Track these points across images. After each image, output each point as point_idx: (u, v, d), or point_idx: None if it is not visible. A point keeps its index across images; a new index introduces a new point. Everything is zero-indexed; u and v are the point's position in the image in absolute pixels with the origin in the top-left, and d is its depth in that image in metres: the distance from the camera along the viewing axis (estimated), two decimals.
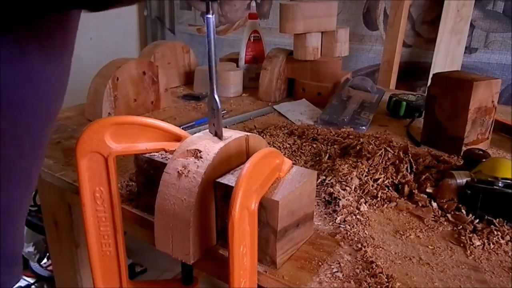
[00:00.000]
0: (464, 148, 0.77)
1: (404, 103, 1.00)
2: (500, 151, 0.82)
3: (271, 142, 0.82)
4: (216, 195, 0.49)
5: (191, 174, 0.47)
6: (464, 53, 1.49)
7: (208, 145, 0.49)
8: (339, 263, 0.49)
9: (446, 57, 1.50)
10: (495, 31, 1.44)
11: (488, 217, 0.56)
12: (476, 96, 0.75)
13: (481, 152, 0.68)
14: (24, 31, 0.36)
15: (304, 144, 0.81)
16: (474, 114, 0.77)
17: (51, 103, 0.42)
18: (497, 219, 0.56)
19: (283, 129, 0.89)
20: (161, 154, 0.55)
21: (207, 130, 0.52)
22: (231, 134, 0.52)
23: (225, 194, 0.48)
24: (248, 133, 0.53)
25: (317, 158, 0.75)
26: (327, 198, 0.62)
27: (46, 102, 0.41)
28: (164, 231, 0.48)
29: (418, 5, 1.57)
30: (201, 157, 0.48)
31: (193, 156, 0.48)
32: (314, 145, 0.80)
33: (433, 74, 0.82)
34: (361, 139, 0.77)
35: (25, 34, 0.36)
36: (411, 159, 0.70)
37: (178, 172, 0.47)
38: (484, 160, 0.65)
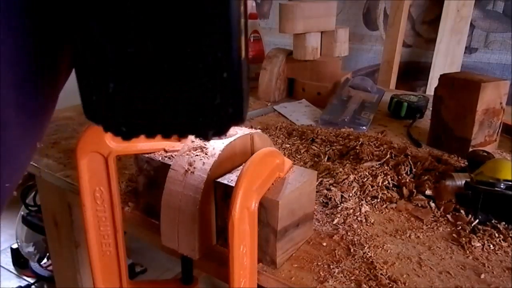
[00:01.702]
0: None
1: (406, 103, 1.00)
2: (502, 152, 0.82)
3: None
4: (216, 195, 0.49)
5: (197, 171, 0.47)
6: (464, 53, 1.49)
7: (214, 143, 0.50)
8: (339, 263, 0.49)
9: (446, 57, 1.50)
10: (495, 31, 1.45)
11: (495, 222, 0.56)
12: (483, 98, 0.74)
13: (485, 154, 0.68)
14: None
15: (303, 145, 0.81)
16: (482, 115, 0.76)
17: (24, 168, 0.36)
18: (502, 223, 0.55)
19: (282, 129, 0.89)
20: (161, 154, 0.55)
21: None
22: (236, 132, 0.52)
23: (225, 194, 0.48)
24: (253, 131, 0.53)
25: (316, 159, 0.75)
26: (326, 200, 0.62)
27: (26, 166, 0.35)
28: (171, 227, 0.49)
29: (418, 5, 1.57)
30: (206, 154, 0.48)
31: (199, 152, 0.49)
32: (314, 146, 0.80)
33: (440, 75, 0.81)
34: (361, 139, 0.77)
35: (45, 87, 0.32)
36: (411, 161, 0.70)
37: (184, 169, 0.48)
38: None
